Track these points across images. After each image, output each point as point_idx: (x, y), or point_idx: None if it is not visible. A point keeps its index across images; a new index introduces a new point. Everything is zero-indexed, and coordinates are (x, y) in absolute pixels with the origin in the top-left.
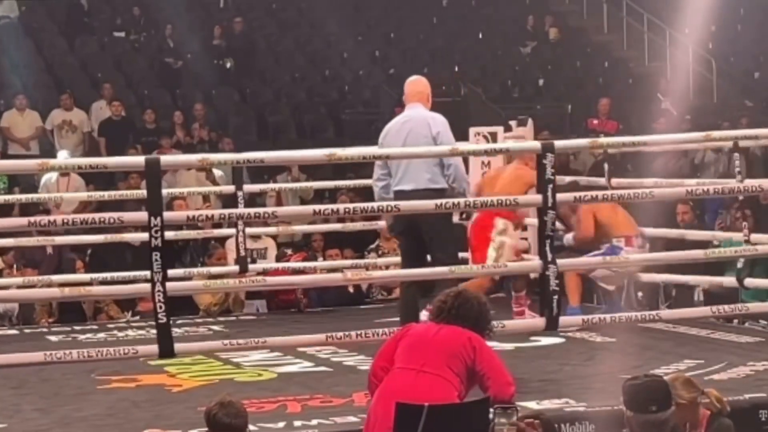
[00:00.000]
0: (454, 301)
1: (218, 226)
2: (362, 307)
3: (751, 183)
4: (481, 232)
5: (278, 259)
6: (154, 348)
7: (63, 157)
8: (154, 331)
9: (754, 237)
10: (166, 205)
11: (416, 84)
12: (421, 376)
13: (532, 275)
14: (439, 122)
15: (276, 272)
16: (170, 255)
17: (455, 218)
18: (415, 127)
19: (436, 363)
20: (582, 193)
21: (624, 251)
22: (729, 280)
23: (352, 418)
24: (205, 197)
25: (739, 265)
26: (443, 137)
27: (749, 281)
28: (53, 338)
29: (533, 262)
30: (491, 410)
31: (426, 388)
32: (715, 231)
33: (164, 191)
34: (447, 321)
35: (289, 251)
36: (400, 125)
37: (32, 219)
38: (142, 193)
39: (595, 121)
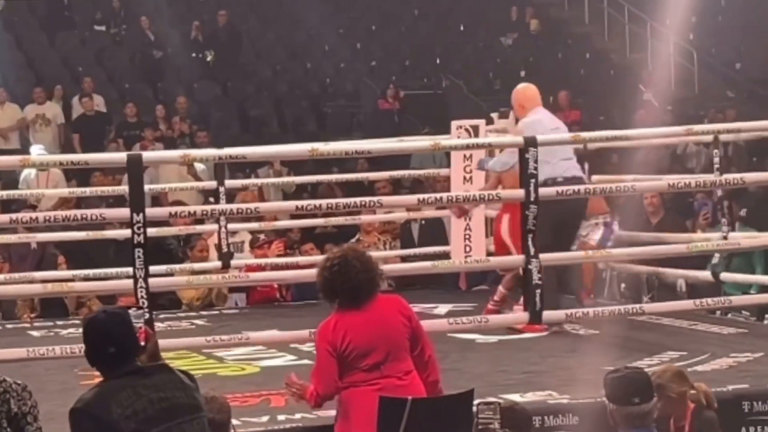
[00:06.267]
0: (340, 272)
1: (200, 221)
2: None
3: (732, 176)
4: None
5: (252, 245)
6: None
7: (36, 151)
8: None
9: (733, 236)
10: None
11: (533, 89)
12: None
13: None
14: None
15: (257, 267)
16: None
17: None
18: (562, 126)
19: (393, 363)
20: (564, 188)
21: (614, 224)
22: (704, 274)
23: (335, 412)
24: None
25: (714, 260)
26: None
27: (725, 275)
28: (35, 333)
29: (516, 256)
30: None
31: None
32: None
33: (146, 187)
34: (352, 292)
35: (262, 236)
36: (548, 122)
37: (14, 216)
38: (123, 189)
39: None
